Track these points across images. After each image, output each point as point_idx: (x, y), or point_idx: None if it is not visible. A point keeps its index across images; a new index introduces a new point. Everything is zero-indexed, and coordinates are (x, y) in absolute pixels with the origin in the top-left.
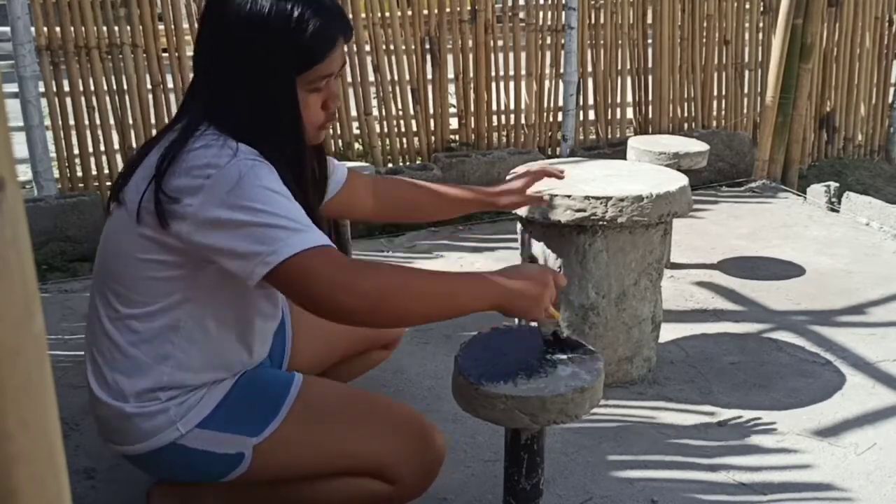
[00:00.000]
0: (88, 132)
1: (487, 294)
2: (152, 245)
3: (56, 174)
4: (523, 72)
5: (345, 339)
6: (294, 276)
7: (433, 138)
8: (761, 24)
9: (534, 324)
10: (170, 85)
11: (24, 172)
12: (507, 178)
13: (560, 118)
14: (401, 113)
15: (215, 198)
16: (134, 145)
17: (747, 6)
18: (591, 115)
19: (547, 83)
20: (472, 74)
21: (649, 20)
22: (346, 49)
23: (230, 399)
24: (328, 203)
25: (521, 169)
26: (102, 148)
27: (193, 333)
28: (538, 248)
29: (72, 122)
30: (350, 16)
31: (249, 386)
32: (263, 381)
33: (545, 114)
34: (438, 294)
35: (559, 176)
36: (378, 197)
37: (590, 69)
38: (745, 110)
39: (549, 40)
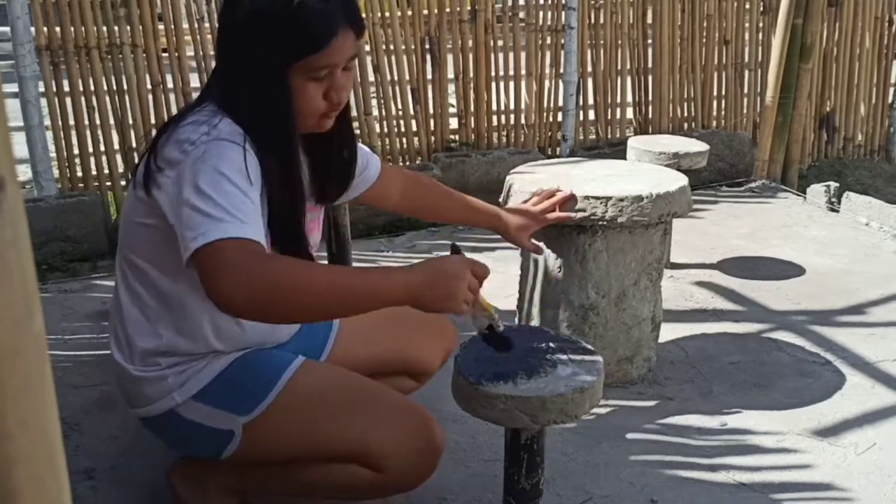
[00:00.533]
0: (88, 132)
1: (392, 290)
2: (145, 207)
3: (56, 174)
4: (523, 72)
5: (384, 355)
6: (203, 265)
7: (433, 138)
8: (761, 24)
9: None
10: (170, 85)
11: (24, 172)
12: (512, 204)
13: (560, 118)
14: (401, 113)
15: (184, 174)
16: (134, 145)
17: (747, 6)
18: (591, 115)
19: (547, 83)
20: (472, 74)
21: (649, 20)
22: (358, 41)
23: (226, 375)
24: (359, 196)
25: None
26: (102, 148)
27: (186, 301)
28: None
29: (72, 122)
30: None
31: (247, 364)
32: (262, 362)
33: (545, 114)
34: (340, 292)
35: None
36: (406, 196)
37: (590, 69)
38: (745, 110)
39: (549, 40)
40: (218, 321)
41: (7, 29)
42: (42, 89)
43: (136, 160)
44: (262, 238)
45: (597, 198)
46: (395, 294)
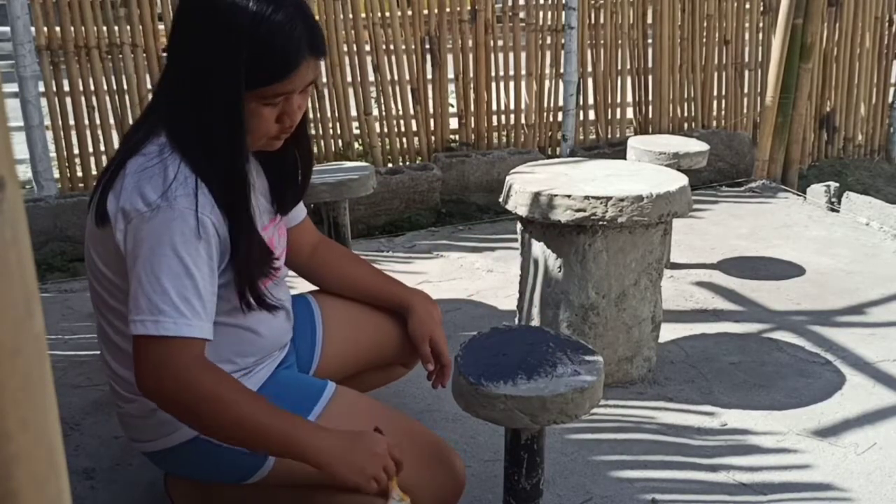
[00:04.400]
0: (88, 132)
1: (307, 446)
2: (117, 256)
3: (56, 174)
4: (523, 72)
5: (372, 353)
6: (139, 352)
7: (433, 138)
8: (761, 24)
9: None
10: None
11: (24, 172)
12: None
13: (560, 118)
14: (401, 113)
15: (139, 244)
16: None
17: (747, 6)
18: (591, 115)
19: (547, 83)
20: (472, 74)
21: (649, 20)
22: (320, 65)
23: (262, 395)
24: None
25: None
26: (102, 148)
27: None
28: (538, 248)
29: (72, 122)
30: (350, 16)
31: (281, 387)
32: (296, 385)
33: (545, 114)
34: (248, 435)
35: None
36: (314, 258)
37: (590, 69)
38: (745, 110)
39: (549, 40)
40: (224, 337)
41: (7, 29)
42: (42, 89)
43: (92, 198)
44: (201, 333)
45: (597, 198)
46: (308, 450)
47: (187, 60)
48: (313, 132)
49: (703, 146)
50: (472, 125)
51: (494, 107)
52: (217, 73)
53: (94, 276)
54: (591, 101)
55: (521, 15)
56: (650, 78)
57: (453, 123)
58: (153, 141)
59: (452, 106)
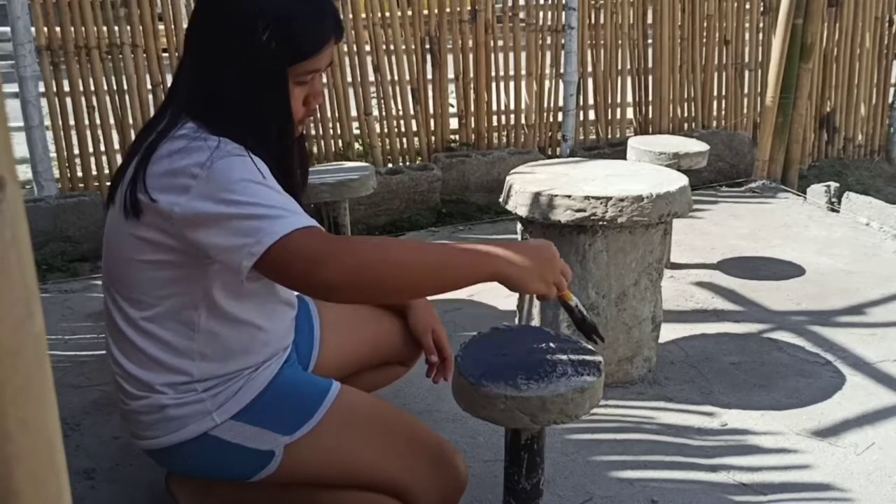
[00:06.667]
0: (88, 132)
1: (482, 264)
2: (147, 246)
3: (56, 174)
4: (523, 72)
5: (371, 350)
6: (280, 261)
7: (433, 138)
8: (761, 24)
9: (536, 313)
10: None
11: (24, 172)
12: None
13: (560, 118)
14: (401, 113)
15: (200, 196)
16: None
17: (747, 6)
18: (591, 115)
19: (547, 83)
20: (472, 74)
21: (649, 20)
22: (335, 49)
23: (267, 395)
24: None
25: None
26: (102, 148)
27: (210, 326)
28: None
29: (72, 122)
30: (350, 16)
31: (288, 386)
32: (302, 383)
33: (545, 114)
34: (427, 265)
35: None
36: None
37: (590, 69)
38: (745, 110)
39: (549, 40)
40: (238, 335)
41: (7, 29)
42: (42, 89)
43: (111, 191)
44: (313, 222)
45: (597, 198)
46: (486, 268)
47: (220, 44)
48: (313, 132)
49: (703, 146)
50: (472, 125)
51: (494, 107)
52: (262, 52)
53: (120, 265)
54: (591, 101)
55: (521, 15)
56: (650, 78)
57: (453, 123)
58: (180, 128)
59: (452, 106)
